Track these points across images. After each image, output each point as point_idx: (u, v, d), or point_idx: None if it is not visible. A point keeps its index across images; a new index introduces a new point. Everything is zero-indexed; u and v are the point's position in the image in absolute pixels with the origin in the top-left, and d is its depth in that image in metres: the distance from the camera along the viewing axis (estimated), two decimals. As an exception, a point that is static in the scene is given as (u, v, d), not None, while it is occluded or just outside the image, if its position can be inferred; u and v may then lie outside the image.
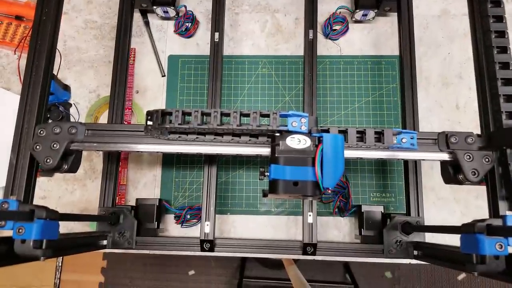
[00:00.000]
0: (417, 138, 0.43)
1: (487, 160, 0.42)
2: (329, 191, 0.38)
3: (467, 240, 0.37)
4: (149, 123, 0.40)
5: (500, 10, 0.45)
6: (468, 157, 0.43)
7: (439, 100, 0.67)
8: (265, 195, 0.40)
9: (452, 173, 0.45)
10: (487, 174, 0.43)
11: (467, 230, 0.37)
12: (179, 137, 0.42)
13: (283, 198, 0.45)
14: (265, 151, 0.43)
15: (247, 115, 0.39)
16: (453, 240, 0.60)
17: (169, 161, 0.66)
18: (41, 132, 0.43)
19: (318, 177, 0.38)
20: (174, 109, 0.39)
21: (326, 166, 0.38)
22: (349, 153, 0.44)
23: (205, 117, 0.39)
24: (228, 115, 0.39)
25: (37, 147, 0.42)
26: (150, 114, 0.40)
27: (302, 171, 0.38)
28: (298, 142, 0.39)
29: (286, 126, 0.39)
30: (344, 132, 0.41)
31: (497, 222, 0.36)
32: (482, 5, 0.46)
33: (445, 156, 0.44)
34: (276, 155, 0.39)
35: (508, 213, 0.40)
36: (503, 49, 0.44)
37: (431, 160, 0.45)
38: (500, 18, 0.45)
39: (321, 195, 0.39)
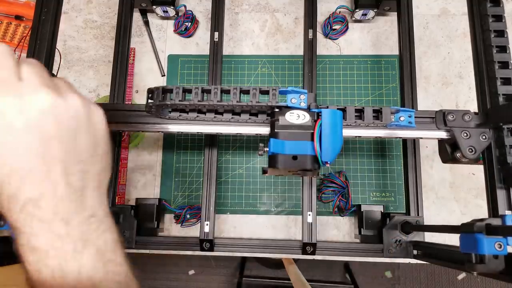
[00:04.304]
0: (415, 117, 0.43)
1: (484, 137, 0.43)
2: (328, 165, 0.38)
3: (466, 239, 0.37)
4: (150, 101, 0.40)
5: (500, 9, 0.45)
6: (465, 134, 0.43)
7: (439, 99, 0.67)
8: (264, 171, 0.40)
9: (449, 151, 0.46)
10: (484, 152, 0.43)
11: (466, 229, 0.37)
12: (179, 115, 0.42)
13: (282, 175, 0.45)
14: (265, 130, 0.44)
15: (247, 92, 0.39)
16: (453, 239, 0.60)
17: (169, 160, 0.66)
18: None
19: (317, 151, 0.38)
20: (174, 86, 0.39)
21: (325, 140, 0.38)
22: (347, 132, 0.44)
23: (206, 94, 0.39)
24: (228, 91, 0.39)
25: None
26: (151, 92, 0.40)
27: (301, 145, 0.38)
28: (297, 117, 0.39)
29: (286, 103, 0.39)
30: (342, 110, 0.41)
31: (496, 221, 0.36)
32: (481, 4, 0.46)
33: (443, 134, 0.45)
34: (275, 130, 0.39)
35: (507, 212, 0.40)
36: (503, 49, 0.44)
37: (429, 138, 0.45)
38: (499, 18, 0.45)
39: (319, 169, 0.39)
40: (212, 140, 0.58)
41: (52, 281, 0.23)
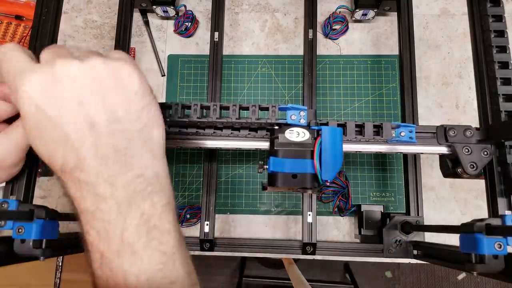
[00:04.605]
0: (416, 132, 0.43)
1: (485, 153, 0.42)
2: (328, 183, 0.38)
3: (466, 239, 0.37)
4: None
5: (500, 9, 0.45)
6: (466, 150, 0.43)
7: (438, 99, 0.67)
8: (264, 188, 0.40)
9: (450, 166, 0.45)
10: (485, 168, 0.43)
11: (466, 229, 0.37)
12: (178, 131, 0.42)
13: (282, 191, 0.45)
14: (264, 145, 0.44)
15: (246, 108, 0.39)
16: (453, 239, 0.60)
17: (169, 160, 0.65)
18: None
19: (317, 170, 0.38)
20: (173, 102, 0.39)
21: (325, 158, 0.38)
22: (348, 147, 0.44)
23: (205, 110, 0.39)
24: (227, 108, 0.39)
25: None
26: None
27: (301, 164, 0.38)
28: (297, 135, 0.39)
29: (285, 119, 0.39)
30: (343, 126, 0.41)
31: (496, 221, 0.36)
32: (481, 4, 0.46)
33: (444, 150, 0.44)
34: (275, 148, 0.39)
35: (507, 212, 0.40)
36: (503, 49, 0.44)
37: (430, 154, 0.45)
38: (499, 18, 0.45)
39: (319, 187, 0.39)
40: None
41: (98, 242, 0.24)
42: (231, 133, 0.43)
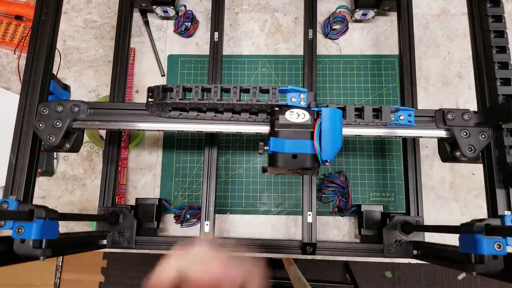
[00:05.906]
0: (415, 115, 0.43)
1: (483, 136, 0.43)
2: (327, 164, 0.39)
3: (466, 240, 0.37)
4: (150, 100, 0.40)
5: (499, 10, 0.45)
6: (464, 133, 0.43)
7: (439, 100, 0.67)
8: (264, 170, 0.40)
9: (449, 150, 0.46)
10: (483, 152, 0.43)
11: (466, 230, 0.37)
12: (180, 114, 0.42)
13: (282, 174, 0.44)
14: (265, 129, 0.44)
15: (247, 91, 0.39)
16: (453, 239, 0.60)
17: (169, 160, 0.66)
18: (44, 110, 0.43)
19: (317, 150, 0.38)
20: (175, 84, 0.39)
21: (325, 139, 0.38)
22: (347, 131, 0.44)
23: (206, 93, 0.39)
24: (228, 90, 0.39)
25: (40, 125, 0.42)
26: (151, 91, 0.40)
27: (301, 144, 0.39)
28: (297, 116, 0.39)
29: (285, 101, 0.39)
30: (342, 109, 0.41)
31: (496, 222, 0.36)
32: (481, 5, 0.46)
33: (442, 133, 0.45)
34: (275, 129, 0.39)
35: (506, 213, 0.40)
36: (502, 49, 0.44)
37: (429, 138, 0.45)
38: (499, 18, 0.45)
39: (319, 167, 0.39)
40: (212, 140, 0.58)
41: None
42: (232, 116, 0.43)
